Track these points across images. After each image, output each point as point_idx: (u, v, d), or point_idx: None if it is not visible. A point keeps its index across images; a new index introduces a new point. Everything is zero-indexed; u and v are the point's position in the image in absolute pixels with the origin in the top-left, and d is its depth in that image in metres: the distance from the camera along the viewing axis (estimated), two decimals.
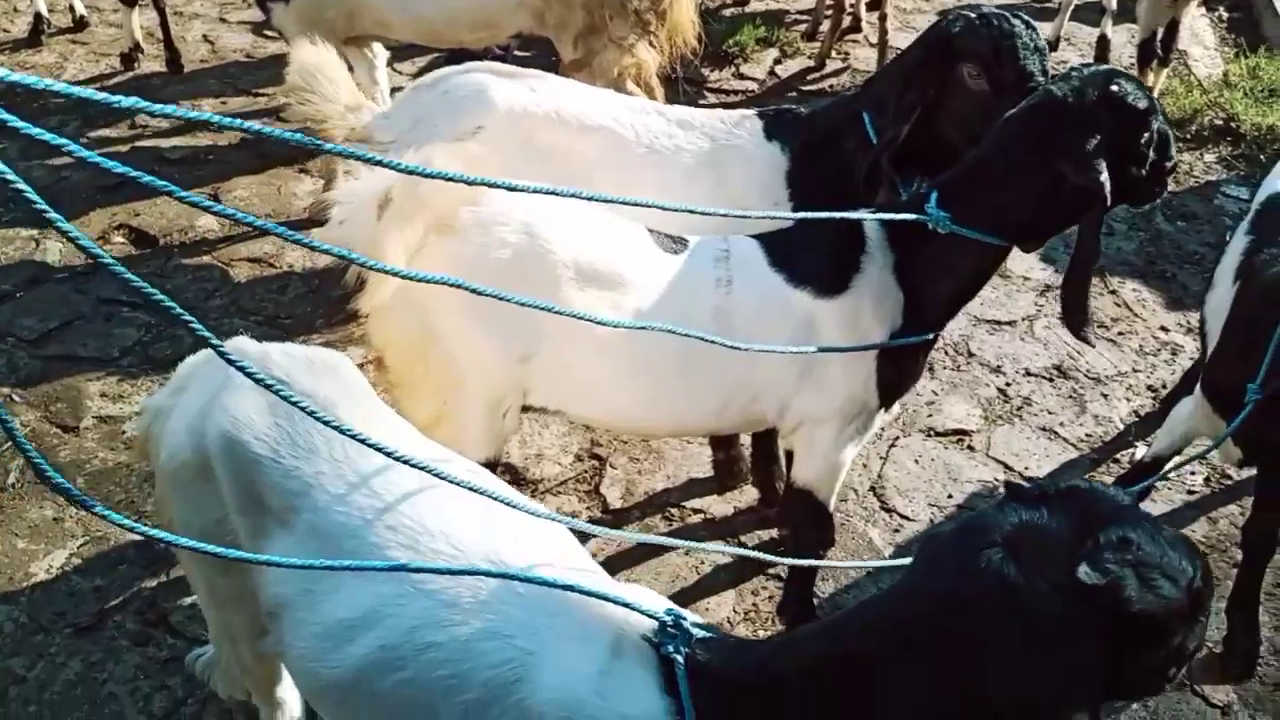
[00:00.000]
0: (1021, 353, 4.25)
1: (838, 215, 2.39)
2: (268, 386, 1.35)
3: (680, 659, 1.49)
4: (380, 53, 4.78)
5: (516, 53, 5.73)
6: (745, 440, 3.58)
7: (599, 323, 2.06)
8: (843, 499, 3.53)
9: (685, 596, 3.20)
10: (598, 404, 2.68)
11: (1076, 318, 2.49)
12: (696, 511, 3.56)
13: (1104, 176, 2.25)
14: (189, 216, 4.77)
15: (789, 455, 3.07)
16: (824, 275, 2.57)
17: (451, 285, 1.80)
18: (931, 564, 1.36)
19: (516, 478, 3.58)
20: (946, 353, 4.22)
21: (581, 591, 1.56)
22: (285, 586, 1.73)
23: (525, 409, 2.70)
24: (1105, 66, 2.41)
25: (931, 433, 3.87)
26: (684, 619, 1.54)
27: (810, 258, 2.59)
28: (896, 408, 2.85)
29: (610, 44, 4.16)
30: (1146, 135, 2.29)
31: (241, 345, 1.90)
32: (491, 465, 2.59)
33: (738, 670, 1.49)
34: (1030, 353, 4.25)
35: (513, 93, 2.97)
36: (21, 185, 1.09)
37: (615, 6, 4.12)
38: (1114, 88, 2.24)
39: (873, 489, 3.64)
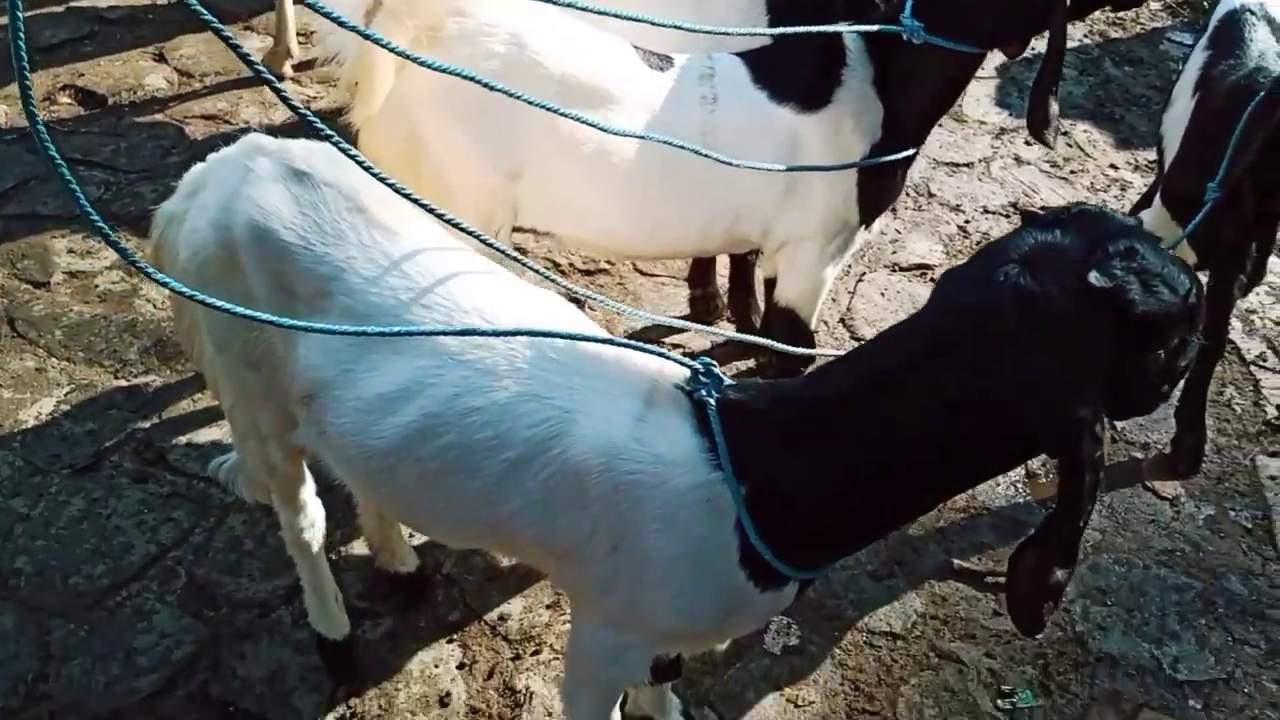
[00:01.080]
0: (979, 192, 4.39)
1: (813, 29, 2.45)
2: (368, 169, 1.40)
3: (712, 401, 1.60)
4: None
5: None
6: (722, 275, 3.67)
7: (599, 128, 2.11)
8: (814, 331, 3.66)
9: None
10: (586, 224, 2.73)
11: (1038, 118, 2.60)
12: (676, 348, 3.66)
13: None
14: (135, 75, 4.63)
15: (767, 284, 3.17)
16: (806, 90, 2.63)
17: (464, 77, 1.84)
18: (952, 285, 1.48)
19: None
20: (908, 194, 4.33)
21: (618, 344, 1.65)
22: (323, 369, 1.78)
23: (516, 230, 2.74)
24: None
25: (896, 268, 4.01)
26: (715, 367, 1.64)
27: (792, 73, 2.64)
28: (877, 226, 2.95)
29: None
30: None
31: (258, 141, 1.92)
32: None
33: (769, 404, 1.60)
34: (987, 192, 4.39)
35: None
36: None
37: None
38: None
39: (842, 320, 3.78)
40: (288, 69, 4.67)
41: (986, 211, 4.29)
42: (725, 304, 3.69)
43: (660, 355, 1.67)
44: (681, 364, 1.66)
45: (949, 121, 4.74)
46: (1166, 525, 3.12)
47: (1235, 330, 3.77)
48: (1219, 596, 2.93)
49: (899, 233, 4.16)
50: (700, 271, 3.66)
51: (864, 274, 3.96)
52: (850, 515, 1.59)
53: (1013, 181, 4.45)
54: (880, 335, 1.57)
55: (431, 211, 1.59)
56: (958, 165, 4.52)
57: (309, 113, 1.45)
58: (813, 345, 3.08)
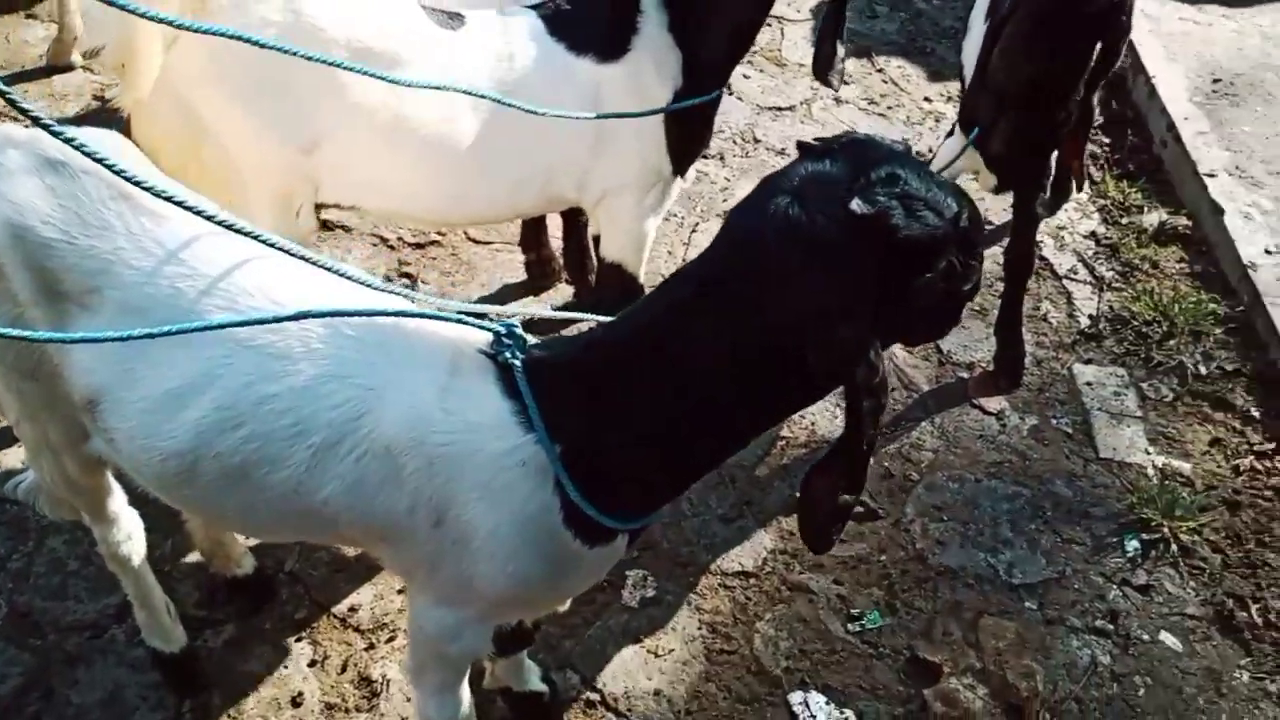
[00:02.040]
0: (803, 134, 4.42)
1: None
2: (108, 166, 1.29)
3: (518, 362, 1.57)
4: None
5: None
6: (555, 240, 3.63)
7: (399, 83, 2.04)
8: (651, 285, 3.67)
9: None
10: (391, 194, 2.64)
11: (821, 60, 2.70)
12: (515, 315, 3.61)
13: None
14: None
15: (597, 242, 3.15)
16: (603, 40, 2.59)
17: (240, 39, 1.73)
18: (733, 218, 1.50)
19: None
20: (735, 141, 4.38)
21: (416, 315, 1.60)
22: (99, 373, 1.67)
23: (320, 207, 2.63)
24: None
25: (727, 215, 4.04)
26: (516, 328, 1.61)
27: (588, 24, 2.60)
28: (692, 173, 2.95)
29: None
30: None
31: (7, 132, 1.77)
32: None
33: (573, 356, 1.59)
34: (811, 133, 4.45)
35: None
36: None
37: None
38: None
39: None
40: (77, 57, 4.36)
41: None
42: (561, 266, 3.66)
43: (460, 321, 1.63)
44: (483, 328, 1.62)
45: (769, 66, 4.80)
46: (994, 439, 3.26)
47: (1047, 246, 3.96)
48: (1046, 501, 3.09)
49: (728, 180, 4.20)
50: (532, 235, 3.61)
51: (697, 224, 3.99)
52: (667, 457, 1.59)
53: (834, 121, 4.54)
54: (672, 275, 1.57)
55: (203, 215, 1.49)
56: (780, 109, 4.59)
57: (41, 114, 1.32)
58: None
